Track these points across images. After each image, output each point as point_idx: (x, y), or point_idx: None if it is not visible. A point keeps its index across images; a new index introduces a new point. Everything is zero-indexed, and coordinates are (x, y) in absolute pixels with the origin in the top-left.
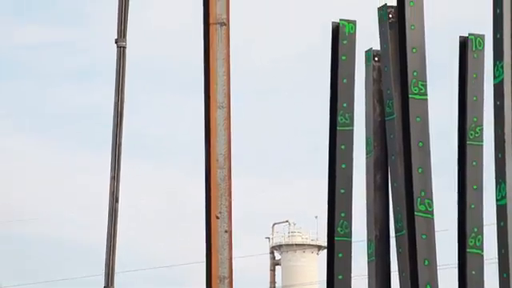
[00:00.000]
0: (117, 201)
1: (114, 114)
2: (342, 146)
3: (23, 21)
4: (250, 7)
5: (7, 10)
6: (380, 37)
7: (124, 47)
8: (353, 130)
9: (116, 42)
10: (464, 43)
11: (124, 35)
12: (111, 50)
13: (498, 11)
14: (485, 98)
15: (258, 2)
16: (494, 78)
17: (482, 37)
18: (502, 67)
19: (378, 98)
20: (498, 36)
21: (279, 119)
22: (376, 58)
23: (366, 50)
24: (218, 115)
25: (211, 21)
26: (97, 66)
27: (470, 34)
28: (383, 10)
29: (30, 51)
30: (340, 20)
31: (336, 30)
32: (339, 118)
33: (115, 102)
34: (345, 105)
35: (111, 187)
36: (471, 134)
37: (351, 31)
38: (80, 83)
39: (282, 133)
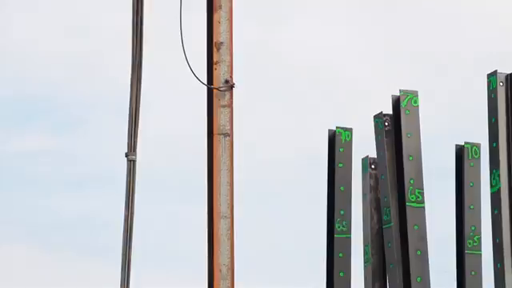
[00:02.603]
0: None
1: (123, 228)
2: (340, 254)
3: (22, 129)
4: (248, 116)
5: (5, 118)
6: (376, 144)
7: (134, 161)
8: (350, 237)
9: (126, 156)
10: (460, 152)
11: (134, 149)
12: (114, 159)
13: (494, 120)
14: (482, 206)
15: (257, 111)
16: (491, 186)
17: (477, 145)
18: (499, 176)
19: (375, 206)
20: (495, 145)
21: (279, 226)
22: (373, 166)
23: (362, 157)
24: (221, 225)
25: (215, 131)
26: (98, 175)
27: (466, 143)
28: (379, 118)
29: (28, 159)
30: (336, 127)
31: (332, 137)
32: (336, 226)
33: (125, 217)
34: (342, 212)
35: None
36: (469, 243)
37: (348, 139)
38: (80, 192)
39: (282, 240)
